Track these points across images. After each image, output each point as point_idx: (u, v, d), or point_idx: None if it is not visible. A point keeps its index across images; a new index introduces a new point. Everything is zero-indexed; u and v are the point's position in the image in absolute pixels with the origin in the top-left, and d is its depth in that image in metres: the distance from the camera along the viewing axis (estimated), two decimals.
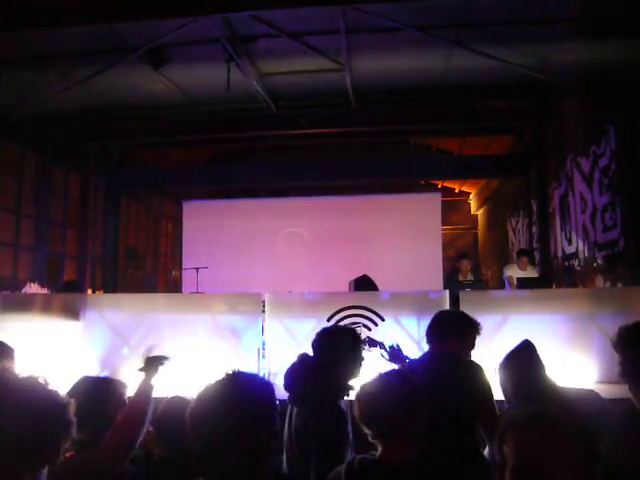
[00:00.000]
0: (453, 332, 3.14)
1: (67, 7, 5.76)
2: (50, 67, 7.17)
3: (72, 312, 6.19)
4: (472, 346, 3.15)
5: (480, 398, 2.80)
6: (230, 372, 1.51)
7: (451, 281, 8.62)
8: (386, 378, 2.07)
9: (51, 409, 1.46)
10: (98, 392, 2.66)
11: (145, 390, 2.60)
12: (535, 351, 2.83)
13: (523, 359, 2.77)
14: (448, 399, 2.65)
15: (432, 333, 3.23)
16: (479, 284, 7.93)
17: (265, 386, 1.54)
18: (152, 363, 2.79)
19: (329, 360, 2.79)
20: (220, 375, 1.51)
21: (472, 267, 8.75)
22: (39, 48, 6.74)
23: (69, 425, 1.50)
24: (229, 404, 1.42)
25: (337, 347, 2.83)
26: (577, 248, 8.74)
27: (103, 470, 2.07)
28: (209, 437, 1.41)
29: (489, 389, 2.89)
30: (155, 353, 2.93)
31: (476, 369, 2.96)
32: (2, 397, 1.42)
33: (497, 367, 2.82)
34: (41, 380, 1.54)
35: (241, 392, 1.46)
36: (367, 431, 1.98)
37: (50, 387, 1.52)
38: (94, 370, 5.84)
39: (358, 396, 2.06)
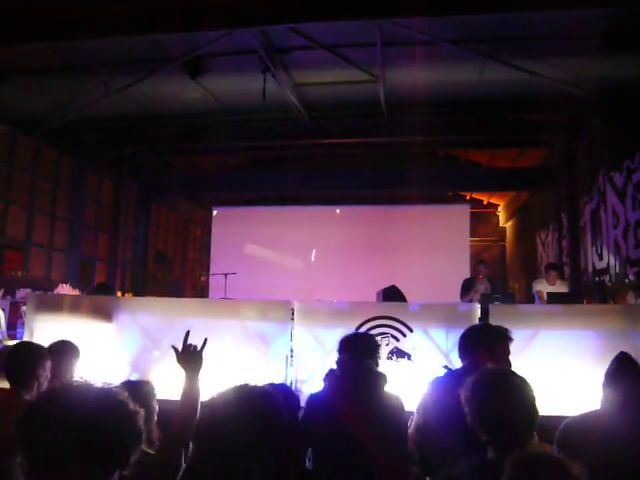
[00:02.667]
0: (482, 344, 3.12)
1: (109, 18, 5.93)
2: (90, 75, 7.37)
3: (105, 314, 6.30)
4: (506, 353, 3.08)
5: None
6: (237, 385, 1.49)
7: (465, 288, 8.60)
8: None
9: (124, 419, 1.46)
10: (141, 395, 2.74)
11: (188, 392, 2.34)
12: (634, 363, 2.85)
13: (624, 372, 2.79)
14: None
15: (461, 349, 3.24)
16: (508, 298, 7.87)
17: (274, 399, 1.50)
18: (189, 356, 2.46)
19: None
20: (226, 387, 1.49)
21: (486, 274, 8.73)
22: (80, 57, 6.94)
23: (139, 434, 1.49)
24: (238, 418, 1.39)
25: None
26: (608, 263, 8.65)
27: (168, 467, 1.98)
28: (216, 453, 1.39)
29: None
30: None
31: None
32: (78, 407, 1.41)
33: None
34: (114, 390, 1.53)
35: (250, 406, 1.43)
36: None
37: (121, 397, 1.51)
38: (125, 372, 5.95)
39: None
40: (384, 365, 5.52)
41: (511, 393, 2.01)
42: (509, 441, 1.90)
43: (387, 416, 2.78)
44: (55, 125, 8.83)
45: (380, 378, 2.98)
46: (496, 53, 6.44)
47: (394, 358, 5.64)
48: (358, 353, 3.20)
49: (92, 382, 1.50)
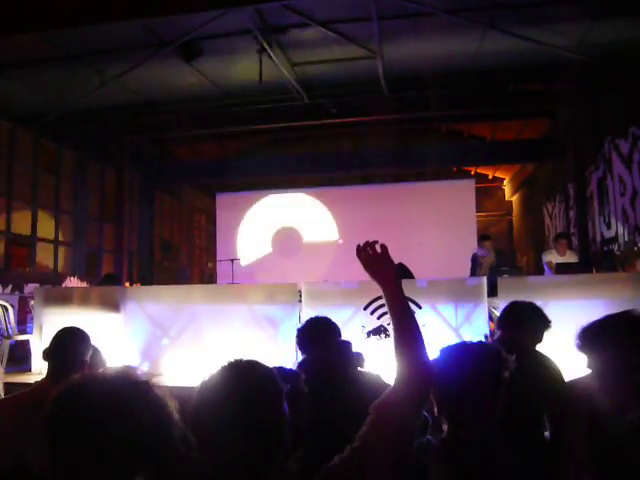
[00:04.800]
0: (526, 324, 3.16)
1: (99, 4, 5.85)
2: (84, 64, 7.30)
3: (112, 304, 6.31)
4: (540, 340, 3.18)
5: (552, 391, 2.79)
6: (232, 360, 1.42)
7: (474, 260, 8.57)
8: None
9: (159, 416, 1.28)
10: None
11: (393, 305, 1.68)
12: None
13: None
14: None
15: (505, 321, 3.28)
16: (516, 270, 7.82)
17: (269, 374, 1.43)
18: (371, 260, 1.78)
19: None
20: (221, 364, 1.42)
21: (495, 248, 8.72)
22: (73, 46, 6.87)
23: (176, 433, 1.30)
24: (229, 394, 1.34)
25: None
26: (616, 232, 8.56)
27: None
28: (209, 430, 1.33)
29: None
30: None
31: (544, 361, 2.99)
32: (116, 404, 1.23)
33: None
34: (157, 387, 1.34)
35: (242, 381, 1.37)
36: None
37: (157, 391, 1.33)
38: (135, 361, 5.96)
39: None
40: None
41: (456, 367, 1.87)
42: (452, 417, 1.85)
43: (365, 397, 2.75)
44: (54, 117, 8.77)
45: (357, 358, 2.97)
46: (496, 22, 6.31)
47: None
48: (322, 339, 3.12)
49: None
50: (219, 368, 1.41)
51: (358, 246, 1.77)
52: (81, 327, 3.14)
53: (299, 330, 3.31)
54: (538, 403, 2.71)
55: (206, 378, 1.41)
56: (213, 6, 5.60)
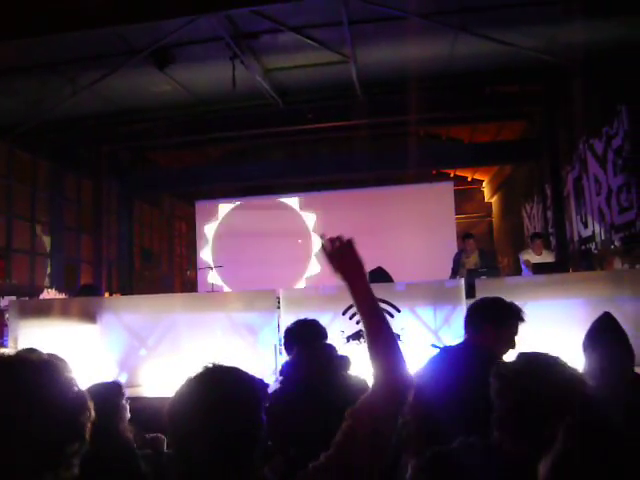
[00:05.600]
0: (488, 321, 2.99)
1: (68, 12, 5.79)
2: (56, 73, 7.22)
3: (89, 316, 6.23)
4: (513, 334, 2.92)
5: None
6: (209, 365, 1.38)
7: (456, 262, 8.56)
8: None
9: (72, 405, 1.20)
10: (107, 395, 2.67)
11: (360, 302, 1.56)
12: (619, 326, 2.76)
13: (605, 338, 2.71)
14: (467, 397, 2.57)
15: (467, 322, 3.10)
16: (494, 271, 7.84)
17: (248, 380, 1.40)
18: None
19: None
20: (198, 369, 1.38)
21: (478, 247, 8.70)
22: (44, 54, 6.78)
23: (82, 433, 1.21)
24: (206, 399, 1.31)
25: None
26: (593, 231, 8.63)
27: None
28: (186, 436, 1.31)
29: None
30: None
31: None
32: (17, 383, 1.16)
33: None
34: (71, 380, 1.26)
35: (220, 386, 1.34)
36: None
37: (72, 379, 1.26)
38: (112, 372, 5.88)
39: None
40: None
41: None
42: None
43: (352, 398, 2.72)
44: (27, 127, 8.66)
45: (343, 361, 2.91)
46: (467, 24, 6.35)
47: None
48: (312, 340, 3.12)
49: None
50: (196, 373, 1.38)
51: (323, 244, 1.62)
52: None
53: (287, 330, 3.28)
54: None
55: (183, 382, 1.38)
56: (182, 13, 5.58)
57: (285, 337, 3.25)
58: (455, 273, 8.45)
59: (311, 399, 2.59)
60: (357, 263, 1.57)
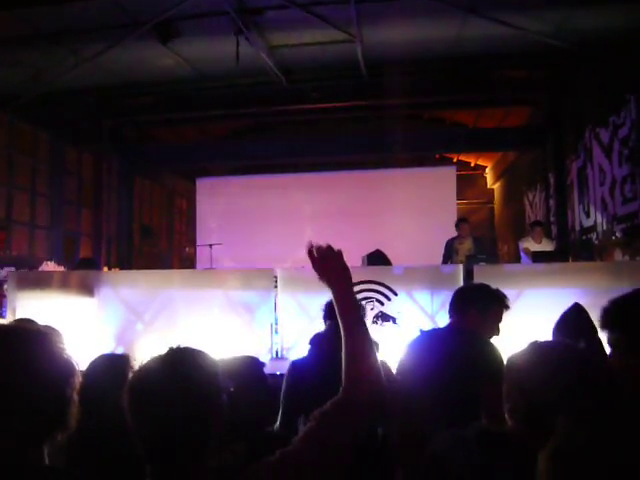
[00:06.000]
0: (473, 306, 3.00)
1: None
2: (59, 44, 7.14)
3: (86, 289, 6.22)
4: (497, 320, 2.96)
5: (486, 380, 2.65)
6: (173, 347, 1.36)
7: (448, 247, 8.49)
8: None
9: (65, 375, 1.32)
10: (116, 369, 2.67)
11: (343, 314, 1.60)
12: (586, 314, 2.75)
13: (575, 326, 2.70)
14: (457, 378, 2.56)
15: (452, 307, 3.12)
16: (492, 258, 7.82)
17: (212, 364, 1.38)
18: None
19: None
20: (162, 351, 1.36)
21: (472, 233, 8.64)
22: (47, 25, 6.71)
23: (69, 402, 1.32)
24: (168, 378, 1.29)
25: None
26: (595, 221, 8.60)
27: None
28: (145, 414, 1.29)
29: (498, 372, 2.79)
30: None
31: (489, 348, 2.85)
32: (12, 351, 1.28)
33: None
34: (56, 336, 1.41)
35: (182, 366, 1.31)
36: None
37: (65, 349, 1.36)
38: (109, 346, 5.88)
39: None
40: (371, 329, 5.53)
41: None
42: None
43: None
44: (28, 99, 8.59)
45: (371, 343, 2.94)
46: (476, 7, 6.25)
47: (379, 322, 5.61)
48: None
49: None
50: (159, 354, 1.35)
51: (309, 244, 1.65)
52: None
53: (327, 303, 3.25)
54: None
55: (149, 359, 1.35)
56: None
57: (324, 310, 3.25)
58: (446, 259, 8.41)
59: (335, 372, 2.60)
60: (342, 271, 1.60)
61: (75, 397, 1.34)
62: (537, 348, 1.76)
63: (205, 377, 1.33)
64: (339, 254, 1.63)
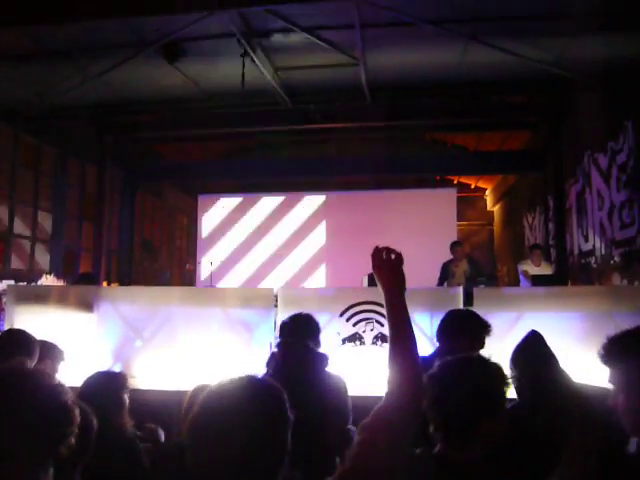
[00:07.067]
0: (464, 332, 3.10)
1: (84, 2, 5.81)
2: (66, 61, 7.23)
3: (86, 304, 6.22)
4: (482, 346, 3.11)
5: None
6: (243, 376, 1.33)
7: (444, 270, 8.53)
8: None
9: (53, 404, 1.40)
10: (112, 388, 2.69)
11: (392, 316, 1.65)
12: (544, 342, 2.80)
13: (532, 352, 2.74)
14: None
15: (443, 332, 3.20)
16: (492, 281, 7.86)
17: (280, 394, 1.36)
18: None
19: None
20: (229, 378, 1.33)
21: (467, 255, 8.67)
22: (55, 42, 6.81)
23: (70, 423, 1.41)
24: (242, 413, 1.25)
25: None
26: (594, 245, 8.65)
27: None
28: (218, 454, 1.24)
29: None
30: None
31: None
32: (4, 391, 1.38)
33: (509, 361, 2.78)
34: (47, 377, 1.49)
35: (256, 400, 1.29)
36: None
37: (57, 382, 1.47)
38: (107, 363, 5.88)
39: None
40: (370, 350, 5.55)
41: (458, 384, 1.78)
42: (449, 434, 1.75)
43: (328, 395, 2.78)
44: (34, 113, 8.68)
45: (321, 358, 2.96)
46: (478, 34, 6.36)
47: (379, 343, 5.63)
48: (298, 335, 3.17)
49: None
50: (230, 380, 1.33)
51: (376, 247, 1.76)
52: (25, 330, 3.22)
53: (282, 324, 3.41)
54: None
55: (215, 387, 1.33)
56: (197, 8, 5.59)
57: (279, 330, 3.32)
58: (442, 281, 8.46)
59: (288, 392, 2.63)
60: (399, 278, 1.71)
61: (71, 436, 1.42)
62: (441, 364, 1.83)
63: (276, 408, 1.32)
64: (399, 261, 1.73)
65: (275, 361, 2.95)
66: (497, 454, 1.67)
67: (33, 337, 3.13)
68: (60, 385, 1.47)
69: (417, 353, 1.55)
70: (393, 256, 1.72)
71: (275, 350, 3.10)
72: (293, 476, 1.71)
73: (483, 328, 3.16)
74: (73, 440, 1.42)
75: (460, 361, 1.90)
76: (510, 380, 1.82)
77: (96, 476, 2.02)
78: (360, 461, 1.37)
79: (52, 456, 1.38)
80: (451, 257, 8.69)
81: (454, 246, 8.78)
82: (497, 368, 1.85)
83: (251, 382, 1.33)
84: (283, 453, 1.30)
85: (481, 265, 10.35)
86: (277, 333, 3.46)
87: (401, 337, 1.56)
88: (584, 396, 2.53)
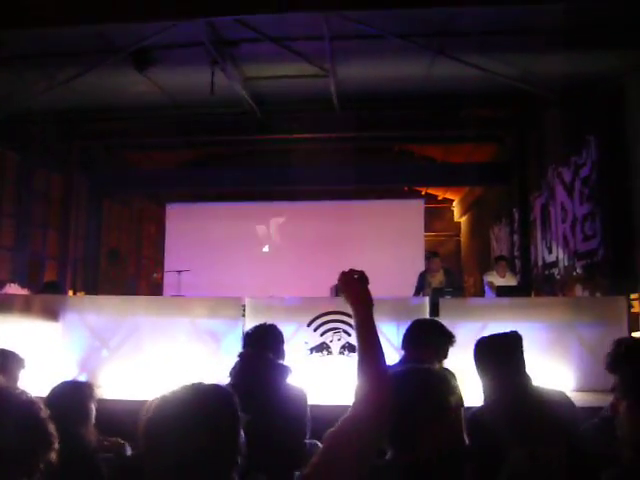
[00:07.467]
0: (428, 342, 3.15)
1: (51, 8, 5.74)
2: (33, 67, 7.13)
3: (51, 313, 6.13)
4: (445, 356, 3.18)
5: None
6: (190, 383, 1.40)
7: (421, 280, 8.59)
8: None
9: (28, 421, 1.44)
10: (79, 398, 2.66)
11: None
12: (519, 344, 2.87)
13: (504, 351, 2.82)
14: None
15: (409, 341, 3.24)
16: (458, 292, 7.95)
17: (229, 397, 1.42)
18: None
19: None
20: (178, 385, 1.39)
21: (443, 266, 8.74)
22: (21, 47, 6.69)
23: (48, 438, 1.46)
24: (193, 417, 1.31)
25: None
26: (557, 257, 8.82)
27: None
28: (168, 454, 1.29)
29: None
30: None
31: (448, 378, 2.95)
32: None
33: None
34: (19, 391, 1.51)
35: (205, 404, 1.35)
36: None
37: (28, 398, 1.50)
38: (72, 372, 5.79)
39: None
40: (337, 360, 5.56)
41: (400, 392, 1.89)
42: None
43: (286, 407, 2.82)
44: None
45: (281, 370, 3.00)
46: (445, 48, 6.47)
47: (346, 353, 5.66)
48: (260, 346, 3.19)
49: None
50: (181, 386, 1.39)
51: (342, 272, 1.83)
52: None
53: (245, 334, 3.42)
54: None
55: (167, 394, 1.38)
56: (166, 16, 5.58)
57: (243, 340, 3.33)
58: (418, 291, 8.51)
59: (247, 403, 2.64)
60: (366, 296, 1.76)
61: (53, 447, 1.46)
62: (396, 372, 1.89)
63: (227, 412, 1.37)
64: (362, 281, 1.79)
65: (235, 371, 2.98)
66: (448, 455, 1.72)
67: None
68: (31, 401, 1.49)
69: (385, 365, 1.62)
70: (356, 276, 1.79)
71: (237, 360, 3.12)
72: (257, 478, 1.74)
73: (447, 339, 3.21)
74: (54, 455, 1.46)
75: (409, 371, 1.97)
76: (456, 389, 1.88)
77: None
78: (322, 468, 1.40)
79: (32, 472, 1.42)
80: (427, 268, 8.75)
81: (430, 257, 8.82)
82: (442, 377, 1.93)
83: (200, 387, 1.39)
84: (235, 453, 1.35)
85: (457, 277, 10.47)
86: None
87: (370, 350, 1.62)
88: (546, 400, 2.61)
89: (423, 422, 1.75)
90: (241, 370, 2.94)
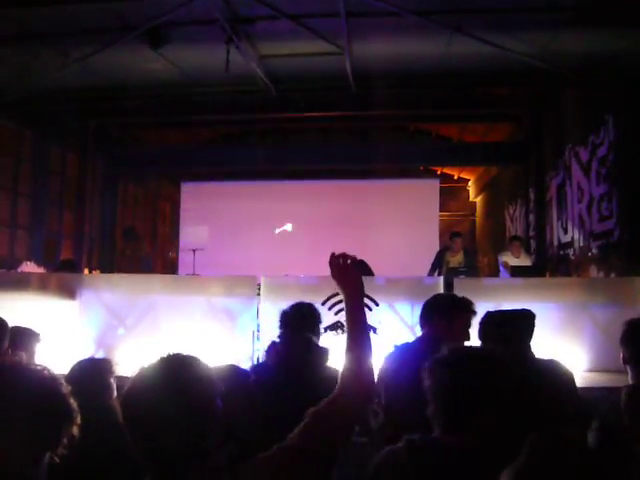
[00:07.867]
0: (439, 314, 3.11)
1: None
2: (48, 45, 7.12)
3: (68, 291, 6.21)
4: (466, 327, 3.08)
5: None
6: (168, 354, 1.42)
7: (439, 257, 8.59)
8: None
9: (50, 397, 1.47)
10: (99, 374, 2.71)
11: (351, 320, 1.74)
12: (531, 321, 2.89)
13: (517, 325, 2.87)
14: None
15: (421, 318, 3.23)
16: (473, 271, 7.94)
17: (206, 369, 1.44)
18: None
19: None
20: (156, 358, 1.42)
21: (464, 247, 8.72)
22: (37, 25, 6.69)
23: (70, 413, 1.51)
24: (167, 386, 1.34)
25: None
26: (572, 237, 8.77)
27: None
28: (144, 423, 1.33)
29: None
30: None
31: None
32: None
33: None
34: (40, 367, 1.55)
35: (180, 374, 1.36)
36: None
37: (49, 374, 1.53)
38: (90, 350, 5.88)
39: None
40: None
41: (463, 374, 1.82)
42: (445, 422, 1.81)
43: (325, 389, 2.80)
44: (14, 97, 8.54)
45: (321, 352, 2.99)
46: (463, 26, 6.38)
47: None
48: (298, 327, 3.19)
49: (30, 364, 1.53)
50: (157, 359, 1.40)
51: (332, 254, 1.81)
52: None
53: (282, 312, 3.40)
54: None
55: (143, 367, 1.40)
56: None
57: (280, 319, 3.32)
58: (434, 268, 8.50)
59: (288, 384, 2.66)
60: (355, 282, 1.77)
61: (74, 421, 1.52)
62: (448, 352, 1.92)
63: (202, 383, 1.38)
64: (354, 266, 1.80)
65: (276, 353, 2.98)
66: (494, 441, 1.73)
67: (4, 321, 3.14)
68: (53, 377, 1.54)
69: (371, 351, 1.69)
70: (349, 261, 1.79)
71: (276, 340, 3.12)
72: (229, 447, 1.78)
73: (461, 308, 3.12)
74: (76, 430, 1.52)
75: (469, 352, 2.00)
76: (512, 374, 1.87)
77: (95, 456, 2.11)
78: (300, 442, 1.45)
79: (55, 446, 1.47)
80: (444, 246, 8.76)
81: (454, 237, 8.83)
82: (503, 363, 1.90)
83: (178, 356, 1.41)
84: (214, 419, 1.38)
85: (476, 258, 10.45)
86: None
87: (358, 336, 1.69)
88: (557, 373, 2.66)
89: (482, 405, 1.76)
90: (284, 352, 2.94)
